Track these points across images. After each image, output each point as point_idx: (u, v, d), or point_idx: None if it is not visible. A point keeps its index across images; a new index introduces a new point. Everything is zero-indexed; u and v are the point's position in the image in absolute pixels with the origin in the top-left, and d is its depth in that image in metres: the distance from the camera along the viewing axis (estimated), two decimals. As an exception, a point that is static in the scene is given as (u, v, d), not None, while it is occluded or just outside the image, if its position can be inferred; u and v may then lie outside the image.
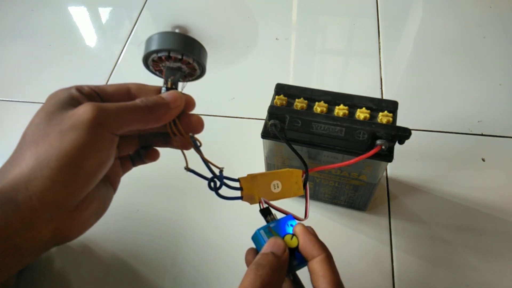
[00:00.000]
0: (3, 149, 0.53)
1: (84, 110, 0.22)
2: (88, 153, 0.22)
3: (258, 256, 0.24)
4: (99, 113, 0.22)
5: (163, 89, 0.27)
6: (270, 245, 0.25)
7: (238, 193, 0.28)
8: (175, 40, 0.25)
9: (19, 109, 0.58)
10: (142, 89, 0.27)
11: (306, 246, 0.25)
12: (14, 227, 0.21)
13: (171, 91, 0.26)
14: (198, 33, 0.59)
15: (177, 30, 0.25)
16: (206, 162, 0.27)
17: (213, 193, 0.28)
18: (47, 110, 0.23)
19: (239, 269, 0.28)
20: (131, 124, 0.24)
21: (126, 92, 0.27)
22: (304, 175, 0.31)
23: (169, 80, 0.27)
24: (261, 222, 0.28)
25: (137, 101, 0.25)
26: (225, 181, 0.28)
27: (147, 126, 0.25)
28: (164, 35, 0.26)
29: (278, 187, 0.30)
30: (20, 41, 0.68)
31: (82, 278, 0.41)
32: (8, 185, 0.21)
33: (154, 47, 0.26)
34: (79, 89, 0.25)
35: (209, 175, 0.27)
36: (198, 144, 0.27)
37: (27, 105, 0.58)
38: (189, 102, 0.28)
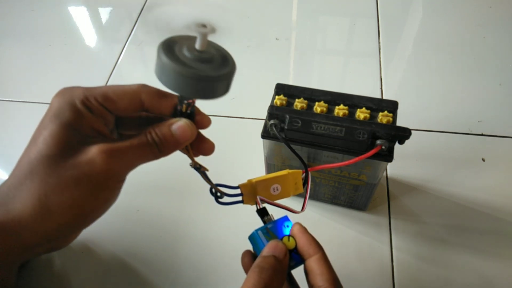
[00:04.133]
0: (3, 149, 0.53)
1: (98, 160, 0.22)
2: (98, 205, 0.23)
3: (260, 259, 0.25)
4: (112, 165, 0.22)
5: (177, 111, 0.25)
6: (271, 248, 0.25)
7: (238, 197, 0.28)
8: (187, 87, 0.21)
9: (19, 109, 0.58)
10: (157, 107, 0.25)
11: (303, 245, 0.26)
12: (14, 253, 0.23)
13: (182, 126, 0.24)
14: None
15: (201, 31, 0.21)
16: (213, 187, 0.27)
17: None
18: (56, 137, 0.22)
19: (240, 269, 0.28)
20: (139, 163, 0.24)
21: (139, 106, 0.25)
22: (304, 175, 0.31)
23: (184, 103, 0.25)
24: (261, 221, 0.28)
25: (148, 137, 0.24)
26: (227, 190, 0.28)
27: (154, 160, 0.25)
28: (175, 76, 0.21)
29: (277, 190, 0.30)
30: (20, 41, 0.68)
31: (82, 278, 0.41)
32: (14, 220, 0.22)
33: (163, 82, 0.22)
34: (87, 104, 0.23)
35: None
36: (205, 171, 0.27)
37: (27, 105, 0.58)
38: (203, 123, 0.27)
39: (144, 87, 0.25)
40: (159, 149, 0.24)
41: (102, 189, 0.23)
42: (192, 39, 0.22)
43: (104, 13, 0.72)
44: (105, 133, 0.24)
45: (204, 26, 0.21)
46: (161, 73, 0.21)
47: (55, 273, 0.41)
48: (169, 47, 0.22)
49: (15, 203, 0.22)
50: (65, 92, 0.23)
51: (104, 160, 0.22)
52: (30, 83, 0.61)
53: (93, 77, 0.61)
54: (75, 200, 0.22)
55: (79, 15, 0.72)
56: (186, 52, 0.22)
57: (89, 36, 0.68)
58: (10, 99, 0.59)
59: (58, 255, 0.42)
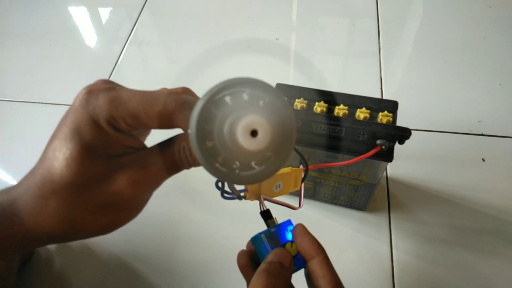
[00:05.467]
0: (3, 149, 0.53)
1: (127, 191, 0.21)
2: (124, 222, 0.23)
3: (266, 265, 0.24)
4: (141, 192, 0.21)
5: None
6: (277, 255, 0.25)
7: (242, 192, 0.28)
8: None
9: (19, 109, 0.58)
10: None
11: (305, 246, 0.26)
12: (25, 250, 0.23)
13: None
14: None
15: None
16: (237, 194, 0.27)
17: (213, 192, 0.27)
18: (80, 163, 0.20)
19: (237, 267, 0.28)
20: (167, 178, 0.22)
21: (172, 127, 0.21)
22: (304, 173, 0.31)
23: None
24: (260, 221, 0.28)
25: (182, 157, 0.21)
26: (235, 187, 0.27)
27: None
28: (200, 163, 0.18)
29: (279, 187, 0.30)
30: (20, 41, 0.68)
31: (82, 278, 0.41)
32: (45, 233, 0.21)
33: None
34: (114, 125, 0.20)
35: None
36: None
37: (27, 105, 0.58)
38: None
39: (182, 110, 0.20)
40: (189, 166, 0.22)
41: (130, 211, 0.22)
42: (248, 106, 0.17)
43: (104, 13, 0.72)
44: (135, 146, 0.22)
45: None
46: (189, 137, 0.18)
47: (55, 273, 0.41)
48: (213, 106, 0.17)
49: (44, 218, 0.21)
50: (89, 100, 0.20)
51: (133, 190, 0.21)
52: (30, 83, 0.61)
53: (93, 77, 0.61)
54: (102, 223, 0.21)
55: (79, 15, 0.72)
56: (226, 130, 0.17)
57: (89, 36, 0.68)
58: (10, 99, 0.59)
59: (58, 255, 0.42)
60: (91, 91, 0.20)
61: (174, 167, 0.22)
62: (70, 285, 0.41)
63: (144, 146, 0.23)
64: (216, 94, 0.17)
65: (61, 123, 0.21)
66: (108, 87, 0.21)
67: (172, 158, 0.21)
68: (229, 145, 0.17)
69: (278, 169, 0.18)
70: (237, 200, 0.28)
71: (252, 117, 0.17)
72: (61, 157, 0.20)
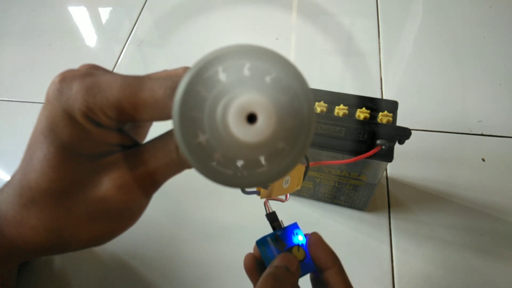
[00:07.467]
0: (4, 149, 0.53)
1: (115, 198, 0.18)
2: (121, 230, 0.21)
3: (272, 269, 0.24)
4: (132, 197, 0.18)
5: None
6: (284, 259, 0.25)
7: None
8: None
9: (19, 109, 0.58)
10: None
11: (320, 256, 0.25)
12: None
13: None
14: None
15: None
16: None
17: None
18: (56, 167, 0.17)
19: (240, 269, 0.28)
20: (166, 180, 0.19)
21: (165, 118, 0.17)
22: (305, 170, 0.31)
23: None
24: (263, 222, 0.28)
25: (180, 153, 0.18)
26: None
27: None
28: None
29: (288, 182, 0.29)
30: (20, 41, 0.68)
31: (82, 278, 0.41)
32: (28, 245, 0.19)
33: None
34: (92, 118, 0.17)
35: None
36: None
37: (27, 105, 0.58)
38: None
39: (173, 96, 0.16)
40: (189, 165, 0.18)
41: (124, 220, 0.20)
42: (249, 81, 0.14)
43: (104, 13, 0.72)
44: (123, 143, 0.19)
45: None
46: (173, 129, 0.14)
47: (55, 273, 0.41)
48: (201, 85, 0.14)
49: (26, 230, 0.18)
50: (62, 90, 0.17)
51: (122, 196, 0.18)
52: (30, 83, 0.61)
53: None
54: (93, 233, 0.19)
55: (79, 15, 0.72)
56: (219, 117, 0.14)
57: (89, 36, 0.68)
58: (10, 99, 0.59)
59: (58, 255, 0.42)
60: (65, 79, 0.17)
61: (172, 168, 0.18)
62: (70, 285, 0.41)
63: (135, 143, 0.19)
64: (206, 69, 0.14)
65: (37, 120, 0.18)
66: (85, 72, 0.17)
67: (170, 157, 0.18)
68: (225, 137, 0.14)
69: (294, 165, 0.15)
70: (241, 199, 0.27)
71: (248, 97, 0.13)
72: (36, 160, 0.17)
